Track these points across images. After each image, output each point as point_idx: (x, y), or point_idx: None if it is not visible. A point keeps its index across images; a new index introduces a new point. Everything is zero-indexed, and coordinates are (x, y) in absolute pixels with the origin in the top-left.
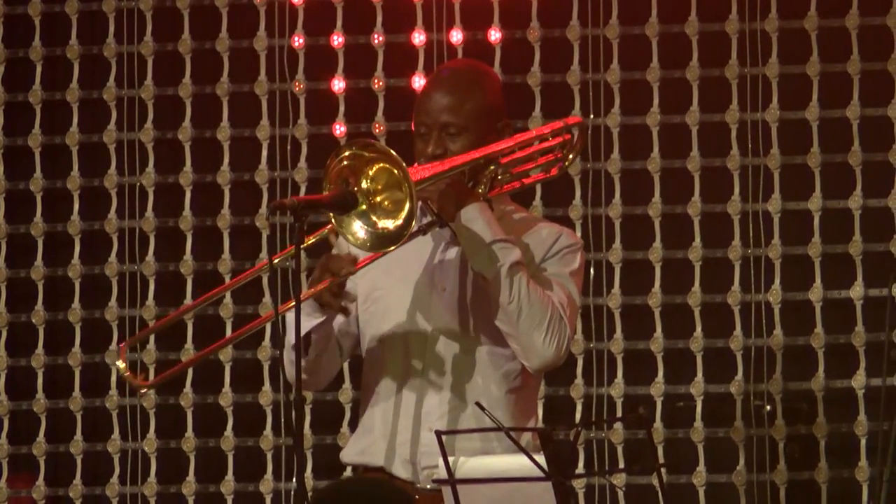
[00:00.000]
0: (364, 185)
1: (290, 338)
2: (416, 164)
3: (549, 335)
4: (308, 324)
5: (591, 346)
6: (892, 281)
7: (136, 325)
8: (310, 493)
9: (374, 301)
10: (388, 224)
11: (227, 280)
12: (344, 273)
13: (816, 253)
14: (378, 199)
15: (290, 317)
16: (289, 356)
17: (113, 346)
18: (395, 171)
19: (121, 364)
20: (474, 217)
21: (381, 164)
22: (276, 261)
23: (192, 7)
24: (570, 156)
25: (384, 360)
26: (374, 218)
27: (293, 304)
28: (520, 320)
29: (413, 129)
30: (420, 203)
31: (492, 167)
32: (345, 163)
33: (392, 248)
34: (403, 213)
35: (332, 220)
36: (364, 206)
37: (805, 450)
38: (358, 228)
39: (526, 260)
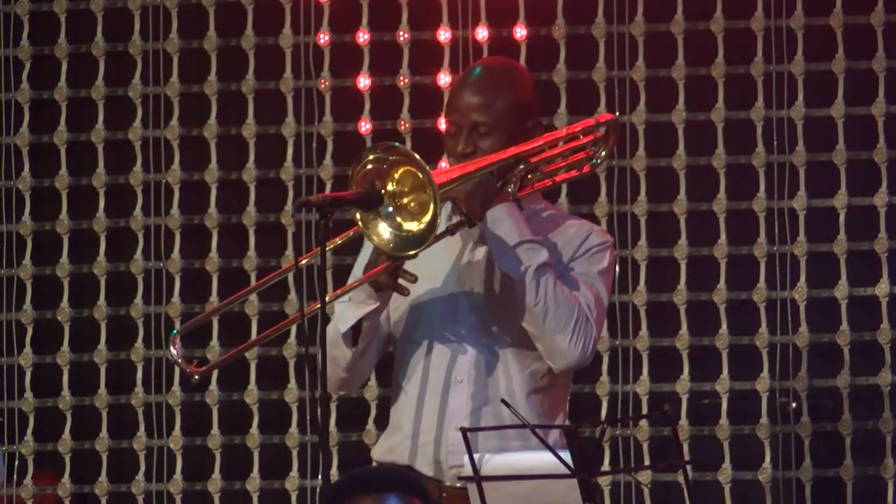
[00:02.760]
0: (390, 187)
1: (340, 326)
2: (445, 163)
3: (574, 337)
4: (360, 311)
5: (617, 344)
6: None
7: (162, 323)
8: None
9: (403, 300)
10: (413, 226)
11: (253, 277)
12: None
13: (842, 250)
14: (404, 200)
15: (339, 307)
16: (332, 352)
17: (138, 343)
18: (420, 175)
19: (173, 351)
20: (501, 217)
21: (406, 167)
22: (302, 262)
23: (217, 4)
24: (602, 153)
25: (412, 359)
26: (399, 220)
27: (318, 305)
28: (546, 322)
29: (444, 127)
30: (449, 203)
31: (521, 166)
32: (369, 166)
33: (415, 251)
34: (428, 216)
35: (358, 222)
36: (390, 208)
37: (830, 447)
38: (383, 230)
39: (554, 259)
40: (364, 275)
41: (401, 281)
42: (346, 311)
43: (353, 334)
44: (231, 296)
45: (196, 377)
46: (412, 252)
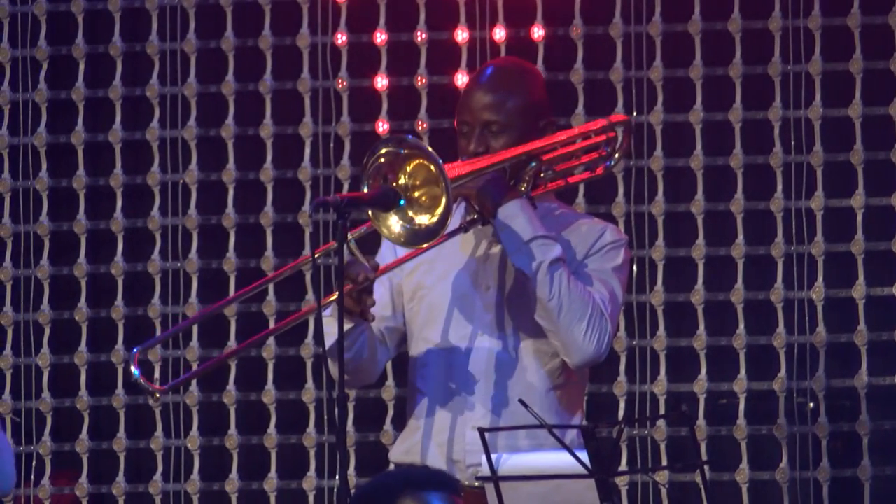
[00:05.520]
0: (402, 180)
1: (326, 341)
2: (458, 161)
3: (589, 331)
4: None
5: (634, 344)
6: None
7: (180, 322)
8: (353, 491)
9: (418, 300)
10: (425, 220)
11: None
12: (362, 279)
13: (859, 250)
14: (416, 194)
15: (325, 322)
16: (331, 355)
17: None
18: (432, 167)
19: (134, 370)
20: (514, 213)
21: (419, 160)
22: (318, 258)
23: (235, 4)
24: (616, 154)
25: (428, 358)
26: (410, 213)
27: (335, 297)
28: (560, 317)
29: (456, 126)
30: (461, 200)
31: (533, 164)
32: (381, 160)
33: (425, 245)
34: (440, 210)
35: (369, 215)
36: (402, 201)
37: (848, 447)
38: (394, 223)
39: (568, 257)
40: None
41: (369, 303)
42: (329, 327)
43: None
44: (247, 293)
45: (158, 395)
46: (424, 246)
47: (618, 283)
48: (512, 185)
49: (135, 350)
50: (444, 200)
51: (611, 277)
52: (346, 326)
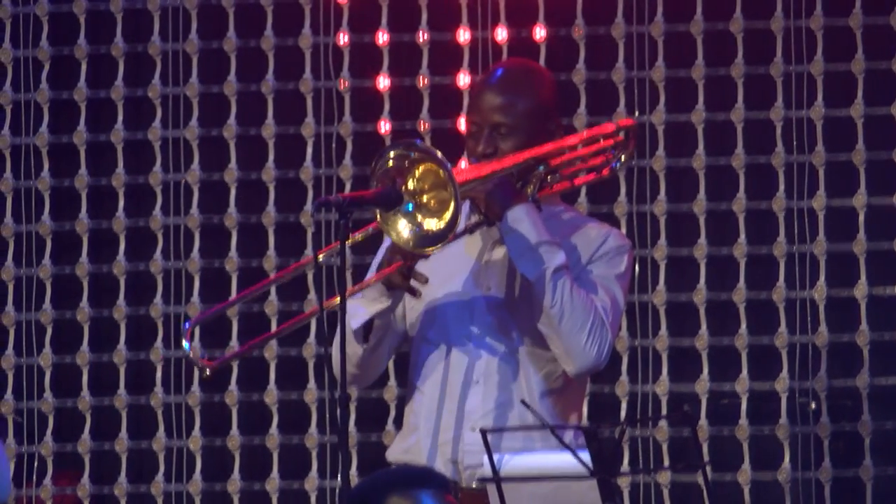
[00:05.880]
0: (411, 184)
1: (352, 323)
2: (465, 163)
3: (590, 340)
4: (372, 309)
5: (636, 344)
6: None
7: (181, 323)
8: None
9: (419, 300)
10: (433, 224)
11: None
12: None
13: (861, 250)
14: (424, 198)
15: (351, 304)
16: (356, 336)
17: (158, 343)
18: (441, 172)
19: (186, 344)
20: (520, 218)
21: (427, 165)
22: (321, 257)
23: (236, 4)
24: (622, 157)
25: (428, 359)
26: (419, 217)
27: (338, 299)
28: (561, 324)
29: (465, 127)
30: (468, 203)
31: (541, 168)
32: (390, 163)
33: (434, 249)
34: (448, 214)
35: (378, 218)
36: (410, 205)
37: (850, 447)
38: (403, 227)
39: (572, 261)
40: (377, 273)
41: (413, 283)
42: (358, 308)
43: (365, 332)
44: (249, 295)
45: (208, 371)
46: (430, 250)
47: (620, 290)
48: (519, 187)
49: (186, 325)
50: (452, 205)
51: (613, 284)
52: (384, 306)
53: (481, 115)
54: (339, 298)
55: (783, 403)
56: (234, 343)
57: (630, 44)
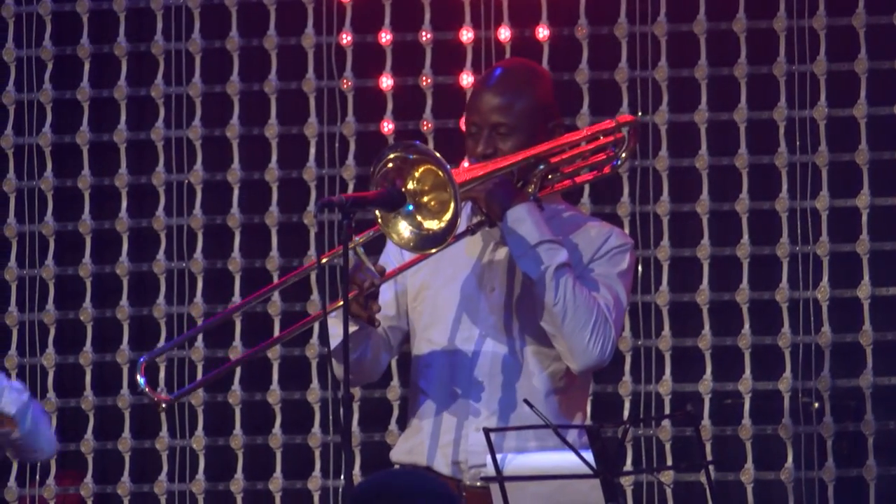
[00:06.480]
0: (411, 185)
1: (330, 343)
2: (467, 163)
3: (593, 337)
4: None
5: (640, 344)
6: None
7: (185, 323)
8: None
9: (422, 300)
10: (433, 225)
11: (275, 277)
12: (368, 285)
13: (864, 250)
14: (424, 199)
15: (330, 323)
16: (336, 356)
17: (161, 343)
18: (440, 173)
19: (140, 379)
20: (521, 217)
21: (427, 166)
22: (324, 261)
23: (239, 4)
24: (623, 154)
25: (431, 359)
26: (419, 218)
27: (342, 303)
28: (564, 322)
29: (464, 127)
30: (469, 203)
31: (541, 167)
32: (389, 165)
33: (435, 249)
34: (448, 215)
35: (378, 220)
36: (410, 206)
37: (853, 447)
38: (403, 228)
39: (574, 260)
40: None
41: (375, 309)
42: (334, 328)
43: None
44: (252, 295)
45: (164, 405)
46: (433, 250)
47: (622, 288)
48: (520, 187)
49: (141, 360)
50: (452, 206)
51: (616, 282)
52: (351, 329)
53: (480, 115)
54: (342, 300)
55: (786, 403)
56: (237, 344)
57: (633, 43)
